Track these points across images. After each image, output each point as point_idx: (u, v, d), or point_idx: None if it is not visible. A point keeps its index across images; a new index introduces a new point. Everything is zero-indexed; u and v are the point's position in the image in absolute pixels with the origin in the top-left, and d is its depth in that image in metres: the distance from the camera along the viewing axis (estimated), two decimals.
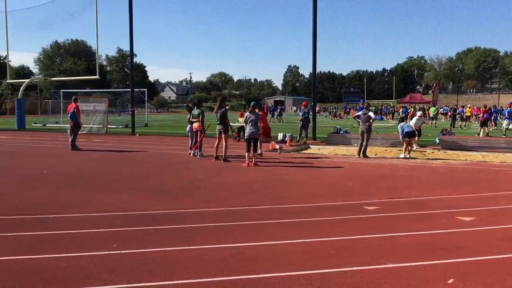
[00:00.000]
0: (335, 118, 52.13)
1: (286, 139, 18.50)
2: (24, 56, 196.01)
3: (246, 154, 12.20)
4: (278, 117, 45.03)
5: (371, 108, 15.71)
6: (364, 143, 14.02)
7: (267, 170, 11.48)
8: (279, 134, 19.84)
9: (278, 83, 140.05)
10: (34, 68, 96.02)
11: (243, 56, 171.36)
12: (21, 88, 33.89)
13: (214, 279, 4.19)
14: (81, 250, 4.99)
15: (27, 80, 37.91)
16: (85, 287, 4.00)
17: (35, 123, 34.34)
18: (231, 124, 21.08)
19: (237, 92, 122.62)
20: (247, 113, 12.59)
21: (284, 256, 4.86)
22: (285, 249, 5.13)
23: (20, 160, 13.35)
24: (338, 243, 5.36)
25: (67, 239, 5.49)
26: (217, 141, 13.22)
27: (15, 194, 8.19)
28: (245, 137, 12.44)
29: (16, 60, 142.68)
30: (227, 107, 13.94)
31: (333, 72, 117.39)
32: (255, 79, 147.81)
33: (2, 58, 65.71)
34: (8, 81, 37.91)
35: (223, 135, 12.98)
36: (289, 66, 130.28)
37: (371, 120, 14.21)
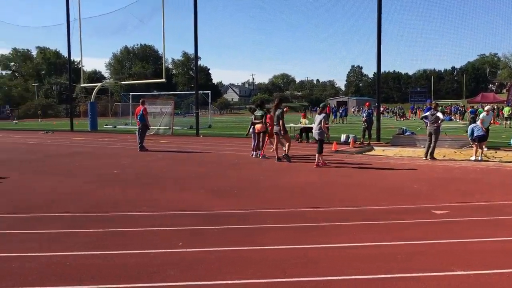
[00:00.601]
0: (400, 119, 50.61)
1: (349, 140, 18.23)
2: (96, 61, 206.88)
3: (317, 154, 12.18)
4: (341, 117, 44.47)
5: (439, 108, 15.06)
6: (431, 145, 13.49)
7: (329, 171, 11.36)
8: (342, 135, 19.58)
9: (341, 83, 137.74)
10: (105, 73, 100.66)
11: (305, 57, 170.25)
12: (94, 92, 35.83)
13: (274, 280, 4.21)
14: (149, 247, 5.20)
15: (99, 84, 40.00)
16: (152, 282, 4.16)
17: (106, 125, 36.10)
18: (293, 125, 21.24)
19: (299, 93, 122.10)
20: (316, 115, 12.75)
21: (346, 259, 4.79)
22: (347, 252, 5.05)
23: (94, 160, 14.10)
24: (404, 247, 5.20)
25: (136, 236, 5.73)
26: (275, 142, 13.35)
27: (89, 192, 8.66)
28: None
29: (89, 65, 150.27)
30: (285, 109, 13.98)
31: (398, 72, 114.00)
32: (317, 80, 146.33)
33: (76, 63, 69.64)
34: (81, 85, 40.21)
35: (281, 136, 13.11)
36: (352, 66, 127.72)
37: (439, 121, 13.63)
